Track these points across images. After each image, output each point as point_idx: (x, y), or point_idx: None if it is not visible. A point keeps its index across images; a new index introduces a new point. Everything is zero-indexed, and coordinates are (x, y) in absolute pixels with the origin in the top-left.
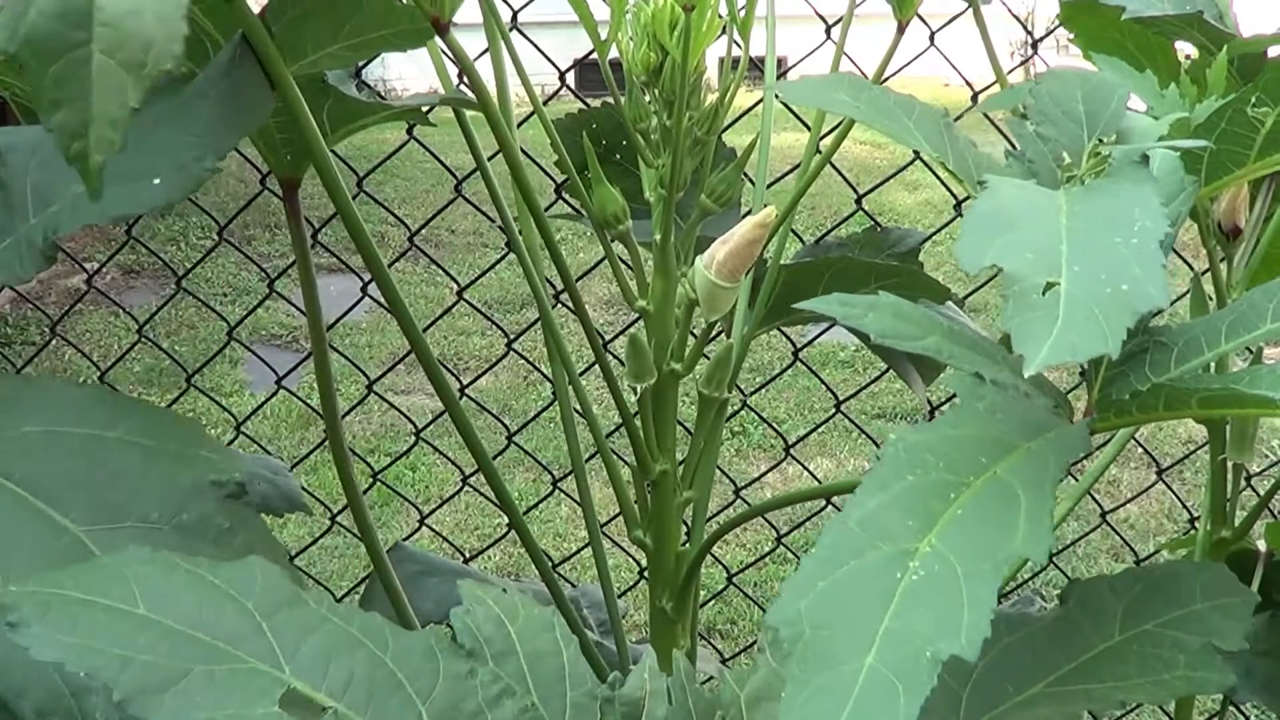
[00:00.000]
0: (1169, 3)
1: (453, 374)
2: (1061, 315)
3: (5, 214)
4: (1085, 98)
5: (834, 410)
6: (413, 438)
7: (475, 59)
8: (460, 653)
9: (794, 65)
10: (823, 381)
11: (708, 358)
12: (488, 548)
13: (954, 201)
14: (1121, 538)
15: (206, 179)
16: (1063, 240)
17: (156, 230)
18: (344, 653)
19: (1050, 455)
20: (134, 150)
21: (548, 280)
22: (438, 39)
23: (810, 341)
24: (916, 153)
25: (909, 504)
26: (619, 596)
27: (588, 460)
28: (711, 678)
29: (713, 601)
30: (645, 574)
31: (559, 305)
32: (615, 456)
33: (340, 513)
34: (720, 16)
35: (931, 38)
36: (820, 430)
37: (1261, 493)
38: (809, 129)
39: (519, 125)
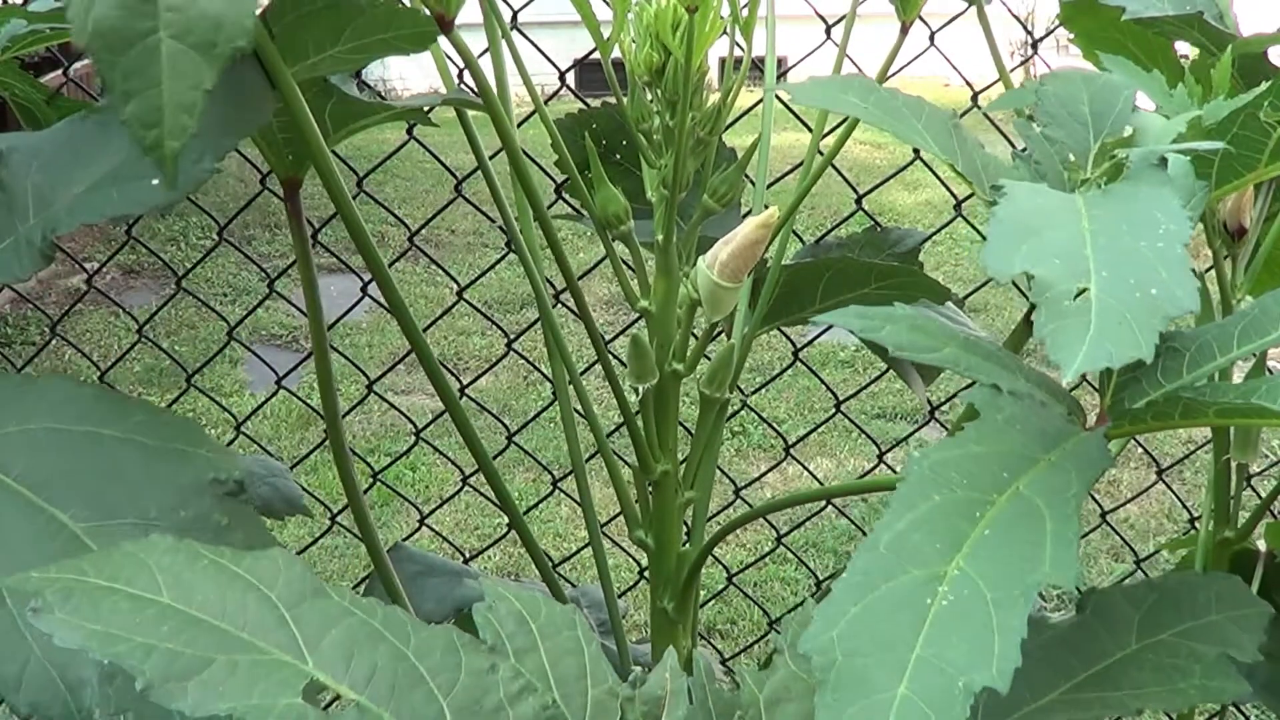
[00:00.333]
0: (1169, 3)
1: (453, 374)
2: (1094, 322)
3: (6, 215)
4: (1091, 99)
5: (834, 410)
6: (413, 438)
7: (476, 58)
8: (482, 648)
9: (794, 65)
10: (823, 381)
11: (709, 358)
12: (488, 548)
13: (954, 201)
14: (1121, 538)
15: (206, 179)
16: (1088, 245)
17: (156, 230)
18: (366, 646)
19: (1072, 469)
20: (134, 150)
21: (548, 280)
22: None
23: (810, 341)
24: (916, 152)
25: (936, 525)
26: (619, 597)
27: (588, 460)
28: (717, 679)
29: (713, 601)
30: (645, 574)
31: (559, 305)
32: (616, 457)
33: (340, 513)
34: (722, 17)
35: (932, 38)
36: (820, 430)
37: (1262, 493)
38: (809, 129)
39: (519, 125)
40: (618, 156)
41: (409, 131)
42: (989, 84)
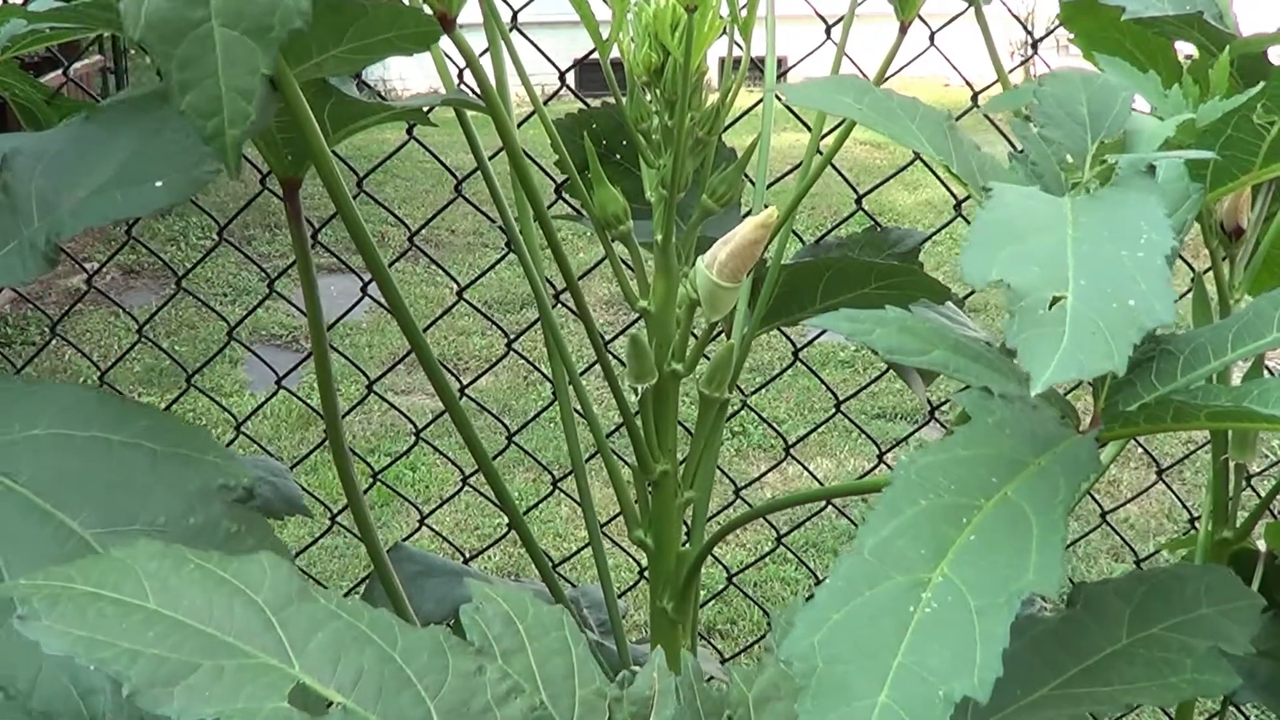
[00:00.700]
0: (1169, 3)
1: (453, 374)
2: (1068, 332)
3: (10, 218)
4: (1089, 100)
5: (834, 410)
6: (413, 438)
7: (476, 58)
8: (469, 650)
9: (794, 65)
10: (823, 381)
11: (708, 358)
12: (488, 548)
13: (954, 201)
14: (1121, 538)
15: (208, 181)
16: (1069, 253)
17: (156, 230)
18: (353, 649)
19: (1060, 474)
20: (138, 153)
21: (548, 280)
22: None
23: (810, 341)
24: (916, 153)
25: (921, 530)
26: (619, 597)
27: (588, 460)
28: (713, 678)
29: (713, 601)
30: (645, 574)
31: (559, 305)
32: (616, 457)
33: (340, 513)
34: (721, 17)
35: (931, 38)
36: (820, 430)
37: (1262, 493)
38: (809, 129)
39: (519, 125)
40: (617, 156)
41: (409, 131)
42: (988, 84)
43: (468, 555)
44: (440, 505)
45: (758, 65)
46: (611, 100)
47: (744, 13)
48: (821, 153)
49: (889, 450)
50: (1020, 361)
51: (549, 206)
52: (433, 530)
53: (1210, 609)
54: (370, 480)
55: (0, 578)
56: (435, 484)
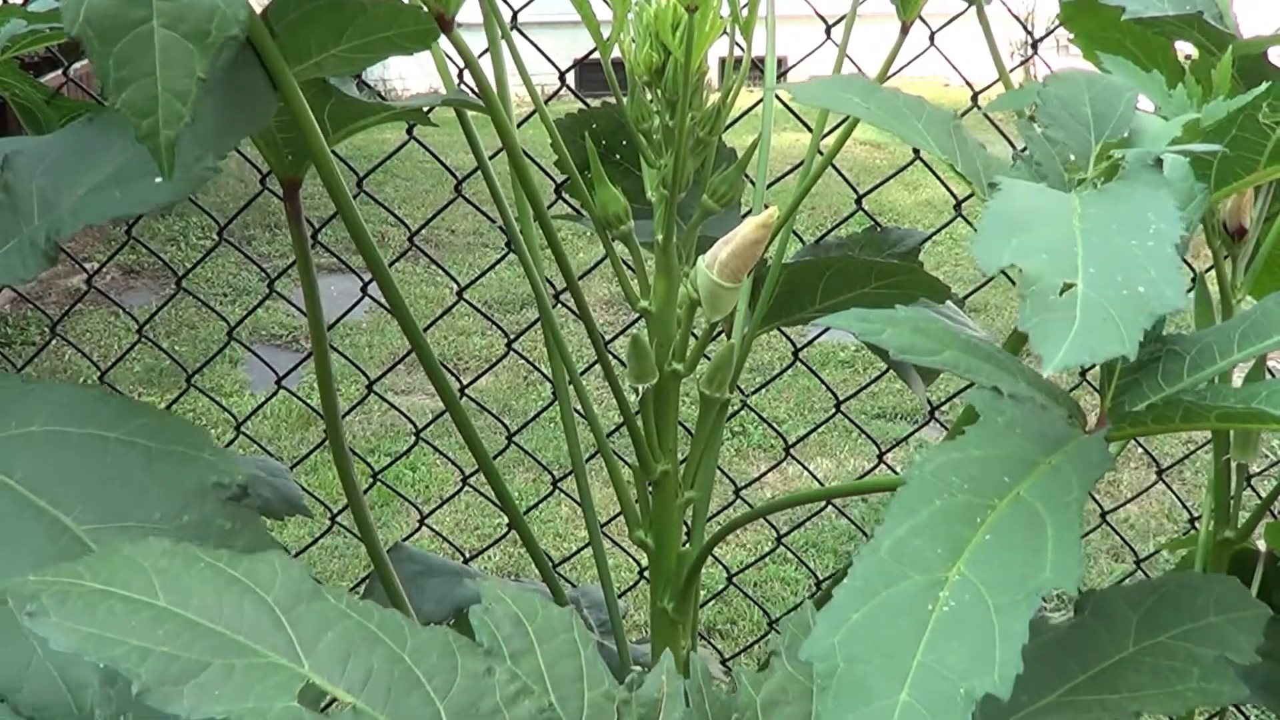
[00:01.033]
0: (1169, 3)
1: (453, 374)
2: (1079, 317)
3: (10, 218)
4: (1093, 100)
5: (834, 410)
6: (413, 438)
7: (476, 58)
8: (478, 651)
9: (794, 65)
10: (823, 381)
11: (709, 358)
12: (488, 548)
13: (954, 201)
14: (1121, 538)
15: (208, 179)
16: (1077, 242)
17: (156, 230)
18: (362, 649)
19: (1072, 473)
20: (138, 152)
21: (548, 280)
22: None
23: (810, 341)
24: (917, 152)
25: (937, 530)
26: (619, 597)
27: (588, 460)
28: (714, 679)
29: (713, 601)
30: (645, 574)
31: (559, 305)
32: (616, 457)
33: (340, 513)
34: (721, 17)
35: (932, 38)
36: (820, 430)
37: (1262, 493)
38: (809, 129)
39: (519, 125)
40: (618, 156)
41: (409, 131)
42: (989, 84)
43: (468, 555)
44: (440, 505)
45: (758, 65)
46: (612, 100)
47: (744, 13)
48: (822, 153)
49: (889, 450)
50: (1033, 345)
51: (549, 206)
52: (433, 530)
53: (1218, 618)
54: (370, 480)
55: None
56: (435, 484)
